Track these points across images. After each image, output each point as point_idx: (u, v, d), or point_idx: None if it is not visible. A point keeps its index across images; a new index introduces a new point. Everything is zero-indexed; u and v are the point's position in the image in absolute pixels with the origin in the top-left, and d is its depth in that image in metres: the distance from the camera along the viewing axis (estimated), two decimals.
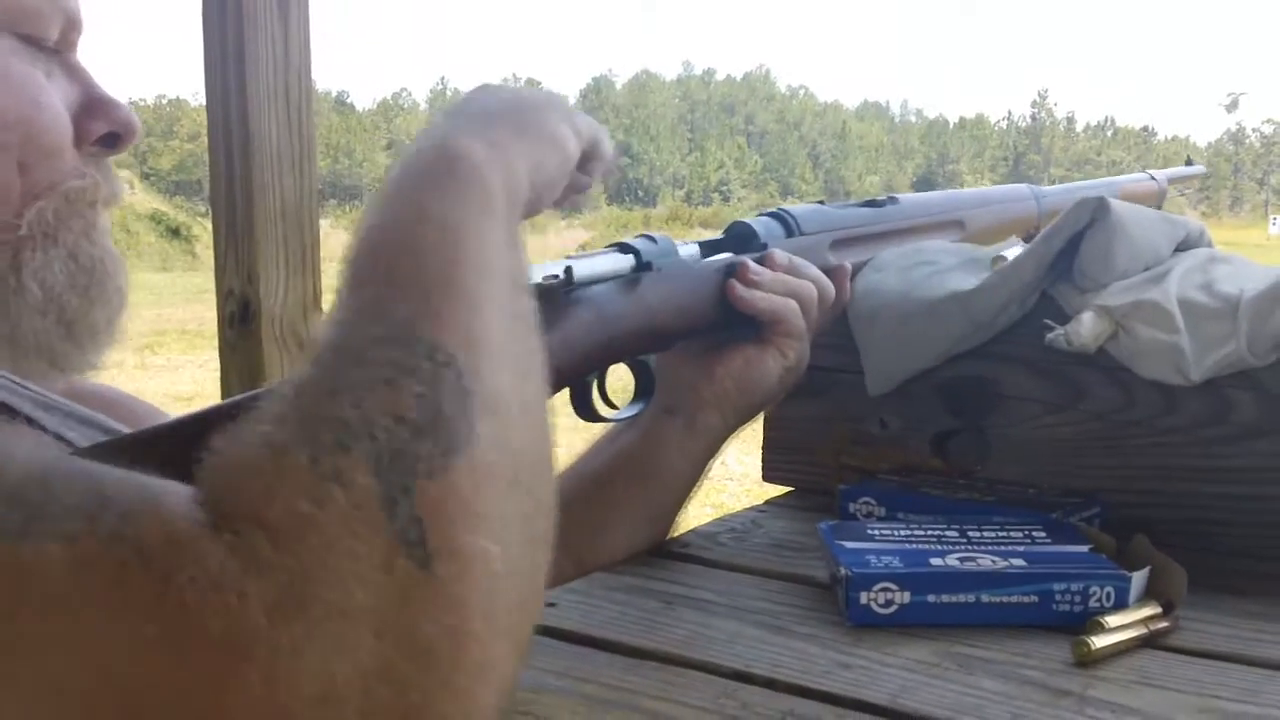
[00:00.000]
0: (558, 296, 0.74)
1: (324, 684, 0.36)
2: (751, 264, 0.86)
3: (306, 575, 0.37)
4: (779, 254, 0.87)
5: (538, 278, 0.72)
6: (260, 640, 0.36)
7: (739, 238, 0.89)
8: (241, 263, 1.54)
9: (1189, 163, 1.48)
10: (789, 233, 0.90)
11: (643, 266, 0.79)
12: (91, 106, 0.62)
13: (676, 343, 0.84)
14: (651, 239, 0.81)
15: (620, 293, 0.78)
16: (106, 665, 0.36)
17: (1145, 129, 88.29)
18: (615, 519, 0.85)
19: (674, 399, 0.87)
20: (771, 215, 0.91)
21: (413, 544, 0.38)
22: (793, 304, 0.86)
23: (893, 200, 0.98)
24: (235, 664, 0.36)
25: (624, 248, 0.80)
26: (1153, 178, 1.31)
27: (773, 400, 0.90)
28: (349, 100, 74.06)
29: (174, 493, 0.38)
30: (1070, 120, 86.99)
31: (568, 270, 0.74)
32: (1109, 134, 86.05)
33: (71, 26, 0.63)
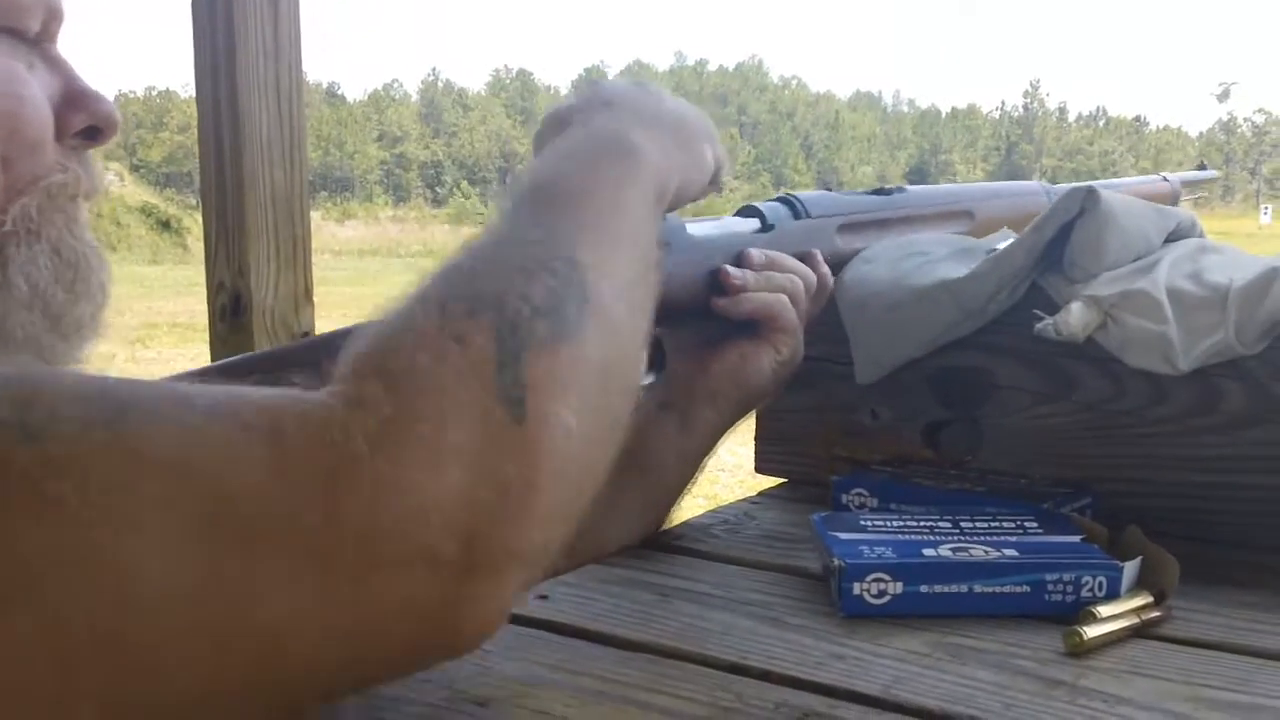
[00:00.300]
0: None
1: (417, 504, 0.41)
2: (732, 270, 0.84)
3: (411, 413, 0.42)
4: (754, 252, 0.86)
5: None
6: (363, 468, 0.41)
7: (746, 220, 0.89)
8: (232, 255, 1.53)
9: (1202, 167, 1.47)
10: (796, 215, 0.90)
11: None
12: (73, 98, 0.61)
13: (685, 319, 0.83)
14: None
15: None
16: (222, 497, 0.40)
17: (1137, 119, 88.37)
18: (609, 511, 0.85)
19: (669, 394, 0.87)
20: (779, 200, 0.90)
21: (512, 401, 0.44)
22: (782, 298, 0.86)
23: (900, 190, 0.98)
24: (341, 493, 0.41)
25: None
26: (1165, 179, 1.30)
27: (768, 395, 0.90)
28: (340, 92, 73.87)
29: (297, 392, 0.44)
30: (1062, 110, 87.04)
31: None
32: (1101, 124, 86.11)
33: (52, 17, 0.61)
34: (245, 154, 1.50)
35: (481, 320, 0.45)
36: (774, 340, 0.87)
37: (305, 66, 1.58)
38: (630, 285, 0.53)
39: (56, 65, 0.61)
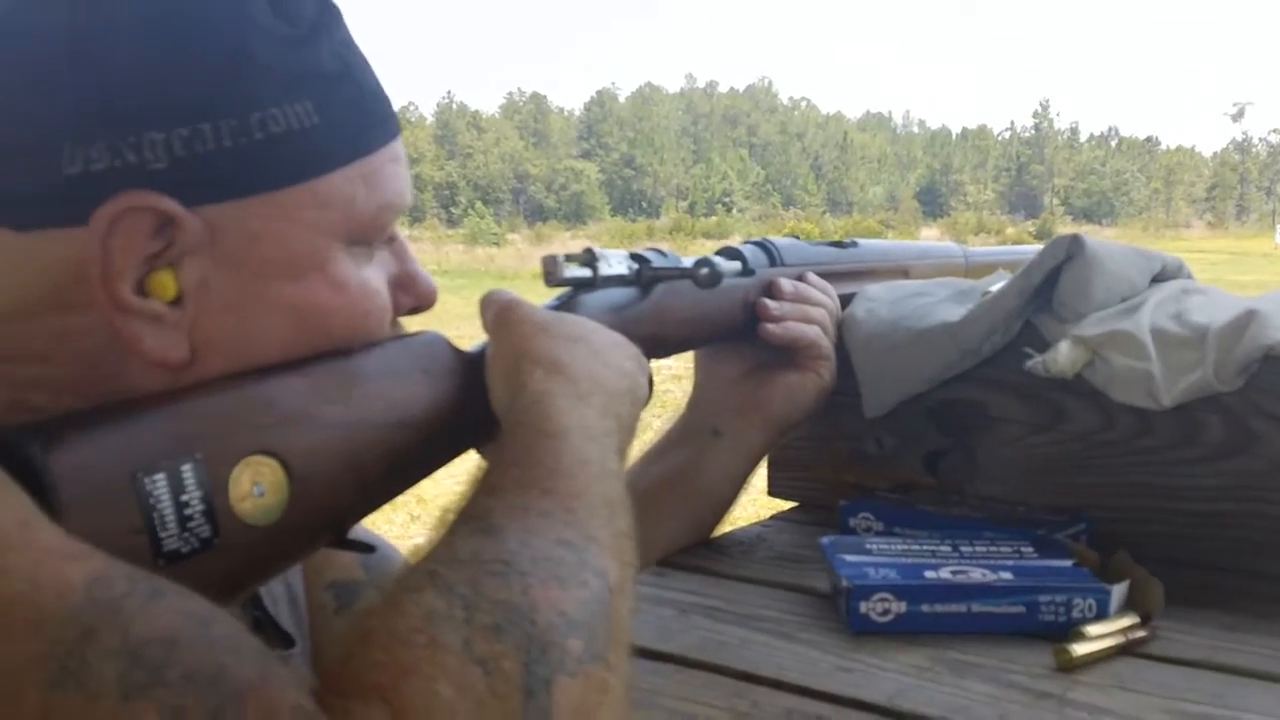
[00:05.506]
0: (582, 293, 0.79)
1: None
2: (770, 302, 0.92)
3: None
4: (784, 282, 0.94)
5: (567, 273, 0.76)
6: None
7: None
8: None
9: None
10: (772, 262, 0.96)
11: (654, 276, 0.83)
12: (405, 282, 0.66)
13: (674, 353, 0.89)
14: (662, 253, 0.85)
15: (638, 298, 0.83)
16: None
17: (1149, 139, 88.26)
18: (659, 532, 0.92)
19: (722, 423, 0.95)
20: (757, 244, 0.97)
21: None
22: (815, 329, 0.94)
23: (854, 244, 1.05)
24: None
25: (637, 258, 0.83)
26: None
27: (809, 417, 0.97)
28: None
29: (286, 677, 0.40)
30: (1074, 130, 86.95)
31: (594, 269, 0.78)
32: (1113, 144, 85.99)
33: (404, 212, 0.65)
34: None
35: (509, 639, 0.41)
36: (816, 367, 0.94)
37: None
38: (632, 592, 0.51)
39: (397, 248, 0.66)
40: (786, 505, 1.09)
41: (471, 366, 0.67)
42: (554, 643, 0.42)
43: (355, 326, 0.62)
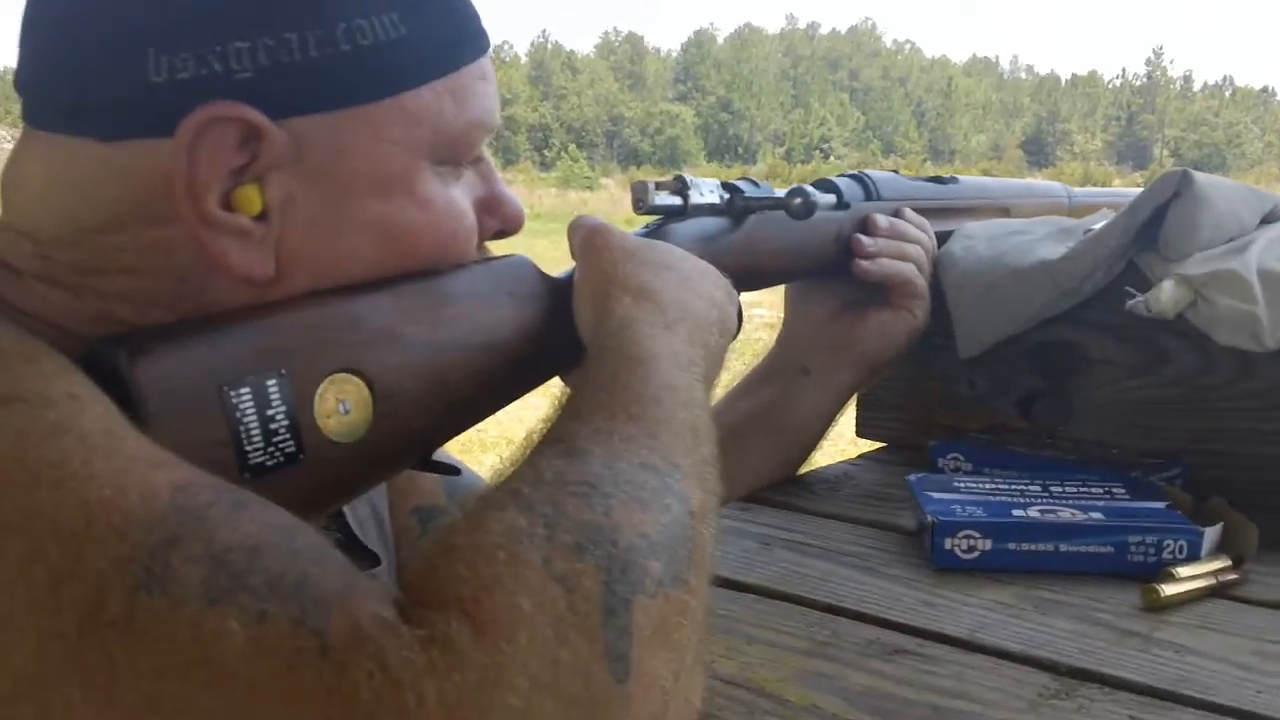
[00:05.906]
0: (672, 221, 0.79)
1: None
2: (864, 238, 0.91)
3: (499, 676, 0.37)
4: (880, 217, 0.92)
5: (657, 200, 0.76)
6: None
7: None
8: None
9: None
10: (868, 195, 0.94)
11: (746, 206, 0.82)
12: (491, 204, 0.65)
13: (765, 286, 0.88)
14: (754, 183, 0.84)
15: (729, 228, 0.82)
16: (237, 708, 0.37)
17: (1265, 89, 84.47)
18: (745, 467, 0.92)
19: (811, 361, 0.94)
20: (853, 177, 0.95)
21: (616, 657, 0.40)
22: (910, 267, 0.93)
23: (953, 180, 1.03)
24: None
25: (729, 187, 0.83)
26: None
27: (900, 357, 0.96)
28: None
29: (368, 588, 0.40)
30: (1187, 79, 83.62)
31: (685, 197, 0.78)
32: (1227, 94, 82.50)
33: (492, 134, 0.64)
34: None
35: (589, 558, 0.41)
36: (910, 306, 0.93)
37: None
38: (714, 519, 0.51)
39: (483, 169, 0.66)
40: (873, 446, 1.08)
41: (558, 291, 0.67)
42: (635, 563, 0.42)
43: (442, 246, 0.61)
